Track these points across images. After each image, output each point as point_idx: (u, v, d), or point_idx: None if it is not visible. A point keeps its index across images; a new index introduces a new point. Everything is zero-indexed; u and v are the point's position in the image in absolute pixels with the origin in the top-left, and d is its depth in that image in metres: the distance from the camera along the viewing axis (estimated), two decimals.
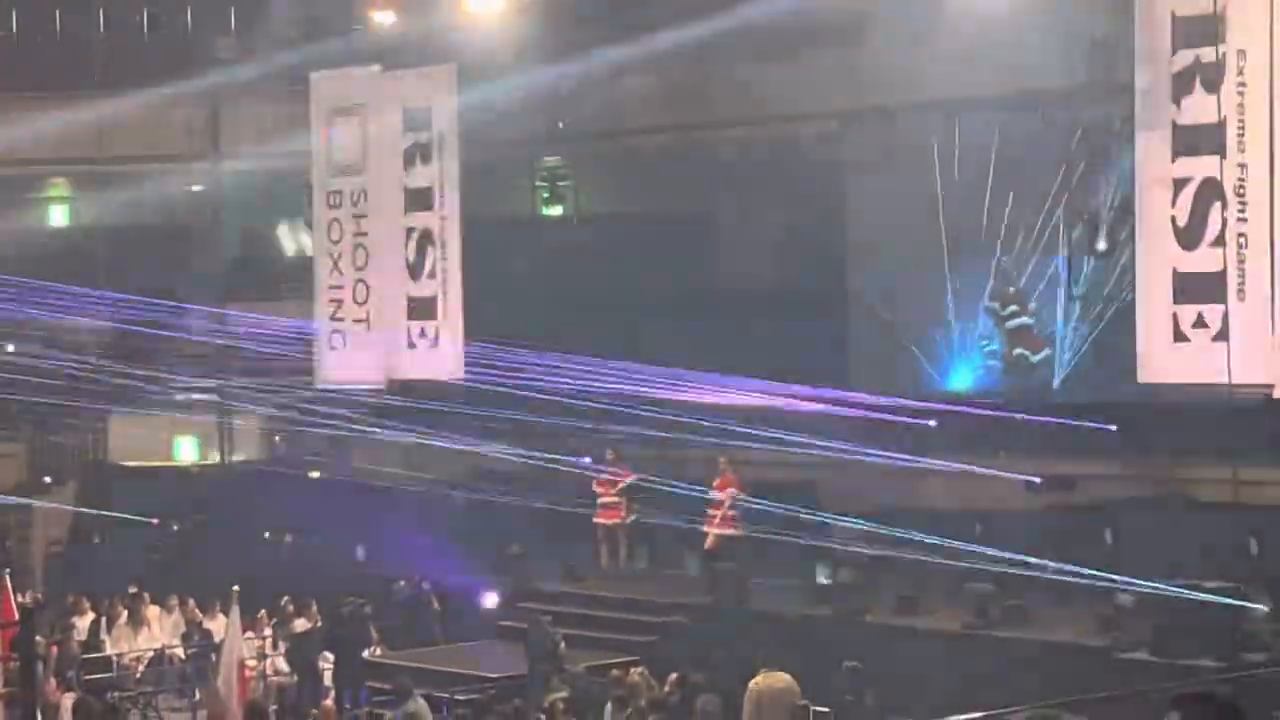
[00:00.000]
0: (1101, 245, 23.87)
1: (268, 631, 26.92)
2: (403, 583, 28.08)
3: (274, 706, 23.56)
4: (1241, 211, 20.82)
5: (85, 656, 26.44)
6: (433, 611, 27.54)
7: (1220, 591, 20.99)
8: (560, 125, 31.09)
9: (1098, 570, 22.63)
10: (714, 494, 26.96)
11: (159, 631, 27.97)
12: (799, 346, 29.15)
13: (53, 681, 24.48)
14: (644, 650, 25.06)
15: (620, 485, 27.94)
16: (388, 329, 29.82)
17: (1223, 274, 20.85)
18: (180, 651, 27.42)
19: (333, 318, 30.25)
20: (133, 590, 28.63)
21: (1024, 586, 23.62)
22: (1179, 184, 21.36)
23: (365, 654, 26.10)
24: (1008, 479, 25.75)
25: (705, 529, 26.79)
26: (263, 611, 26.90)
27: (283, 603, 27.36)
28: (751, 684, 20.58)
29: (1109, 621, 22.34)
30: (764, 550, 26.06)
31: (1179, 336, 21.32)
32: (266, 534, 31.92)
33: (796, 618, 24.96)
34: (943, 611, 24.41)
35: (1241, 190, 20.80)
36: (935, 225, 29.81)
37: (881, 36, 27.98)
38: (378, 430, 30.52)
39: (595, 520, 28.15)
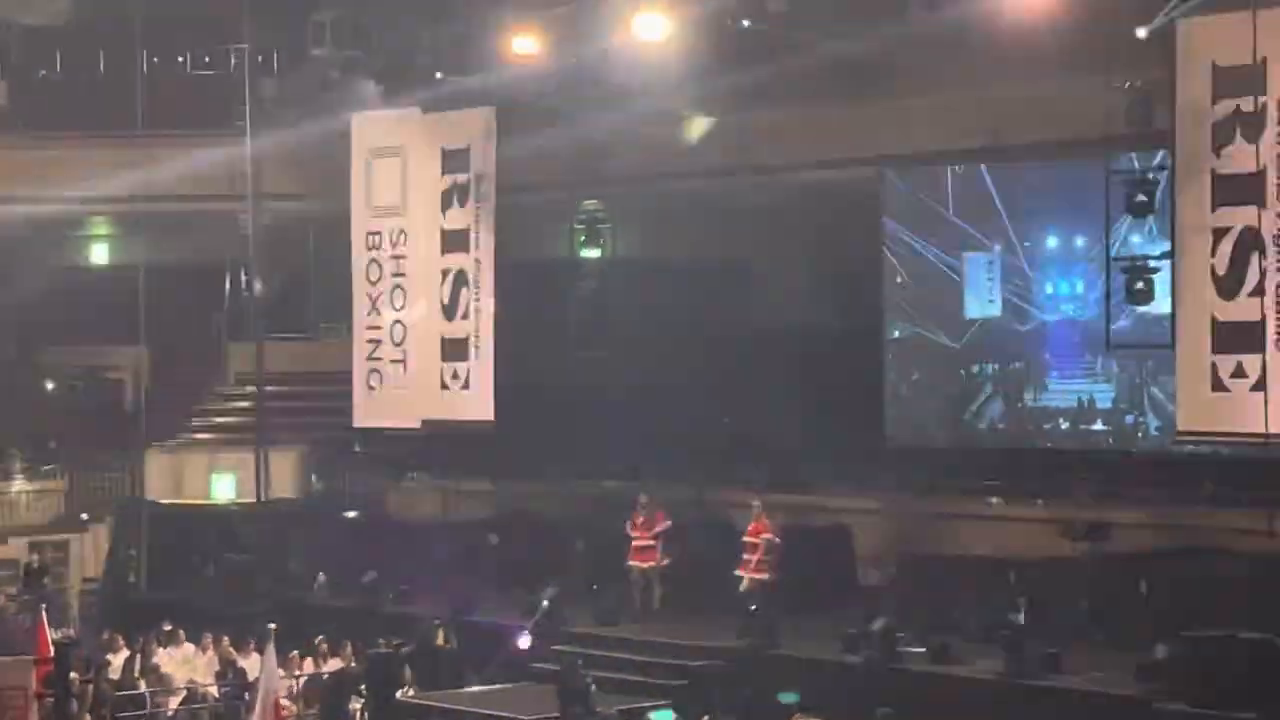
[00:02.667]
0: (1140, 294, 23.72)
1: (297, 671, 26.92)
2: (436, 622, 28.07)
3: None
4: None
5: (119, 694, 26.47)
6: (443, 649, 27.45)
7: (1257, 642, 20.89)
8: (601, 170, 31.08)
9: (1133, 620, 22.55)
10: (748, 538, 26.96)
11: (193, 669, 27.99)
12: (836, 390, 29.19)
13: (87, 718, 24.55)
14: (676, 694, 25.02)
15: (656, 529, 27.91)
16: (422, 370, 29.90)
17: (1261, 324, 20.84)
18: (214, 690, 27.44)
19: (370, 358, 30.34)
20: (167, 627, 28.68)
21: (1059, 635, 23.54)
22: (1218, 233, 21.38)
23: (398, 695, 26.09)
24: (1044, 526, 25.70)
25: (739, 573, 26.77)
26: (294, 652, 26.92)
27: (317, 642, 27.40)
28: None
29: (1145, 671, 22.25)
30: (797, 594, 26.05)
31: (1218, 386, 21.30)
32: (291, 565, 32.00)
33: (830, 663, 24.91)
34: (977, 659, 24.32)
35: None
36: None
37: (914, 83, 28.03)
38: (413, 472, 30.60)
39: (629, 563, 28.12)
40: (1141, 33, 23.08)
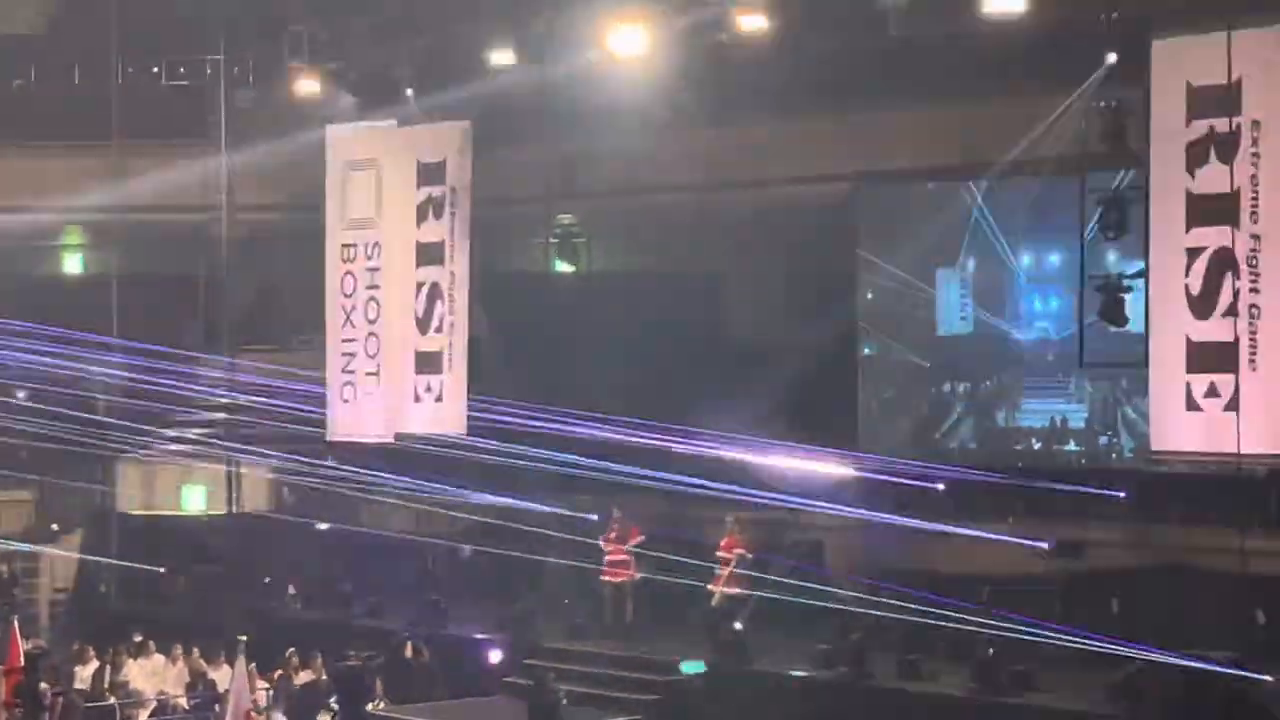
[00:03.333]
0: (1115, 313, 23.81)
1: (263, 684, 26.81)
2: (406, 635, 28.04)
3: None
4: (1254, 282, 20.91)
5: (88, 705, 26.39)
6: (414, 662, 27.40)
7: (1226, 662, 20.95)
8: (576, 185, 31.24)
9: (1104, 637, 22.61)
10: (721, 553, 26.96)
11: (163, 681, 27.92)
12: (809, 407, 29.19)
13: None
14: (648, 709, 25.04)
15: (631, 543, 27.87)
16: (395, 383, 29.87)
17: (1235, 344, 20.91)
18: (184, 701, 27.37)
19: (344, 370, 30.30)
20: (138, 639, 28.60)
21: (1030, 652, 23.58)
22: (1192, 253, 21.44)
23: (369, 708, 26.04)
24: (1016, 543, 25.73)
25: (711, 588, 26.77)
26: (252, 664, 26.81)
27: (288, 654, 27.33)
28: None
29: (1116, 690, 22.29)
30: (770, 610, 26.04)
31: (1191, 405, 21.36)
32: (267, 579, 31.89)
33: (801, 679, 24.92)
34: (948, 676, 24.35)
35: (1254, 261, 20.90)
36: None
37: (889, 101, 28.10)
38: (386, 483, 30.49)
39: (602, 578, 28.08)
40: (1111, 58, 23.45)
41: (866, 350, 31.07)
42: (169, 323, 32.87)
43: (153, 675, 28.03)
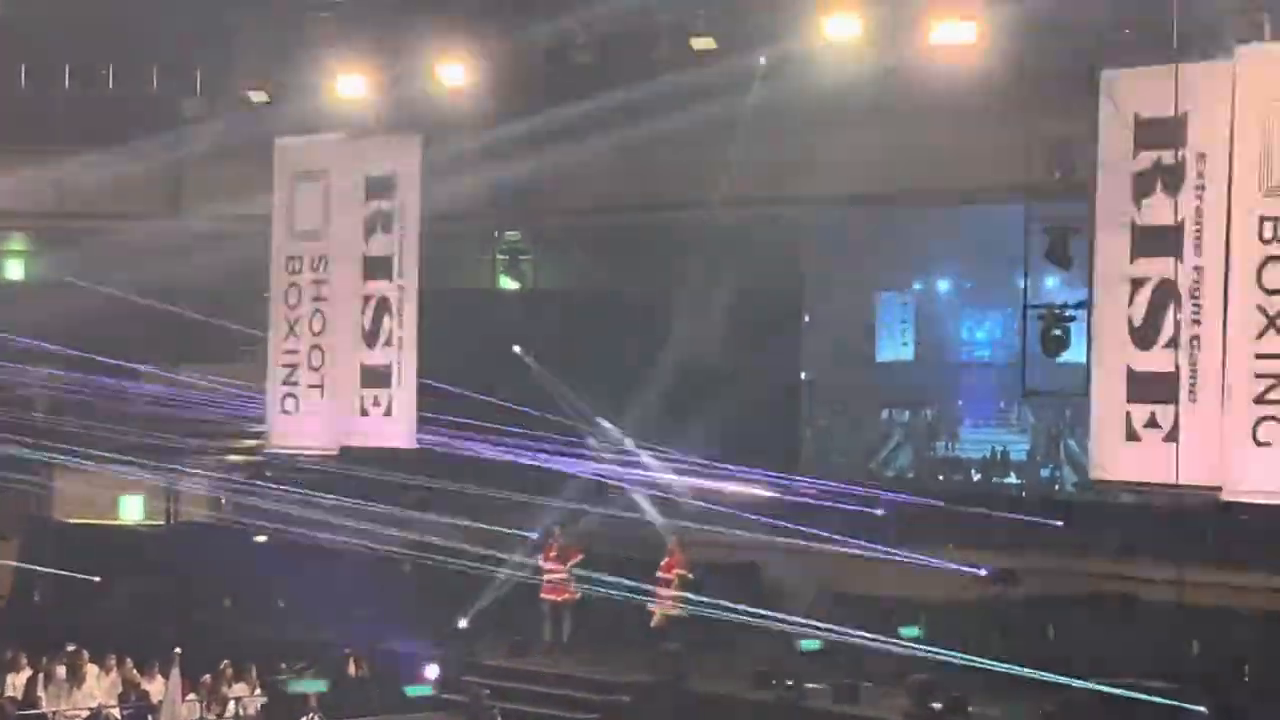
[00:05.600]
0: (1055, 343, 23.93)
1: (191, 695, 26.64)
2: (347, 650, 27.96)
3: None
4: (1195, 314, 21.01)
5: (21, 713, 26.22)
6: (351, 677, 27.31)
7: (1161, 692, 21.05)
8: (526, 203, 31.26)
9: (1039, 665, 22.73)
10: (661, 574, 26.98)
11: (96, 690, 27.73)
12: (751, 428, 29.24)
13: None
14: None
15: (571, 562, 27.85)
16: (340, 396, 29.76)
17: (1175, 375, 21.01)
18: (116, 712, 27.19)
19: (285, 382, 30.15)
20: (71, 648, 28.39)
21: (965, 678, 23.66)
22: (1136, 284, 21.54)
23: None
24: (953, 570, 25.83)
25: (651, 608, 26.77)
26: (208, 676, 26.69)
27: (221, 666, 27.18)
28: None
29: (1050, 717, 22.38)
30: (708, 631, 26.06)
31: (1131, 435, 21.44)
32: (204, 603, 31.75)
33: (739, 700, 24.94)
34: (883, 701, 24.41)
35: (1197, 293, 21.00)
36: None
37: (838, 128, 28.17)
38: (325, 496, 30.46)
39: (541, 596, 28.04)
40: None
41: (802, 375, 31.07)
42: (112, 330, 32.62)
43: (85, 685, 27.85)
